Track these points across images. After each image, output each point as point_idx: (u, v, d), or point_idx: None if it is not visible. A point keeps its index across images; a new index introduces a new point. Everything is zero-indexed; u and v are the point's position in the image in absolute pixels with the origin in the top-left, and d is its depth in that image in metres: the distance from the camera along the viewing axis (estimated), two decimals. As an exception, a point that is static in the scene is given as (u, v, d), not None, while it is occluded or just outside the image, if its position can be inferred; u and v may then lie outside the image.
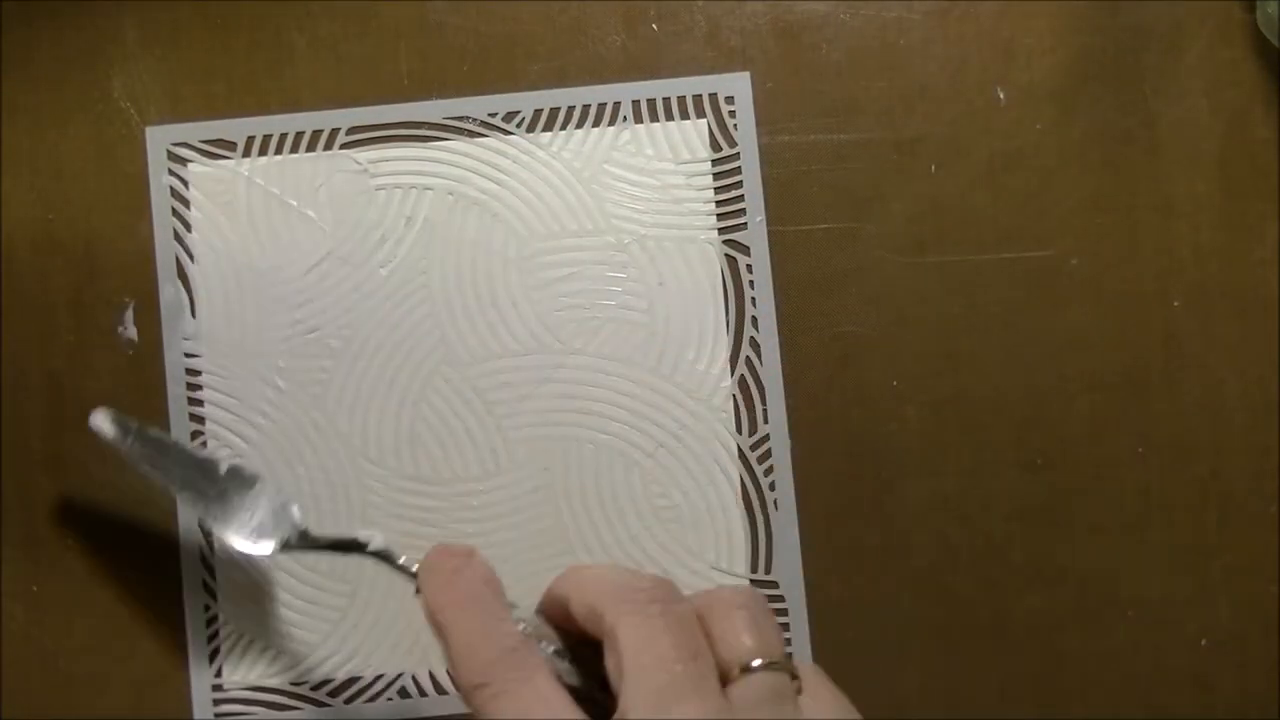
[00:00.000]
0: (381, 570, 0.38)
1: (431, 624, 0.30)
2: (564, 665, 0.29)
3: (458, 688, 0.29)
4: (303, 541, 0.34)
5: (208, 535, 0.37)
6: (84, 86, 0.39)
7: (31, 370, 0.38)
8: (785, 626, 0.38)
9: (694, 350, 0.38)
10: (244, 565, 0.38)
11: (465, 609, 0.29)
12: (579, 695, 0.29)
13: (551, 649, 0.29)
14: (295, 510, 0.35)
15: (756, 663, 0.28)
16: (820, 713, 0.29)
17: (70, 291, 0.39)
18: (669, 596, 0.29)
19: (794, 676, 0.29)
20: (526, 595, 0.38)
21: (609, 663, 0.28)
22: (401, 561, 0.32)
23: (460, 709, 0.38)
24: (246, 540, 0.34)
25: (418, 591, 0.30)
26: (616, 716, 0.27)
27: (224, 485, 0.35)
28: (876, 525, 0.38)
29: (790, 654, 0.29)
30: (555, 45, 0.39)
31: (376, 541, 0.33)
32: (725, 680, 0.28)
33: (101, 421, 0.35)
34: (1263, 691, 0.38)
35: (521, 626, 0.29)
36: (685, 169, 0.39)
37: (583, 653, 0.29)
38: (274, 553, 0.34)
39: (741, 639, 0.28)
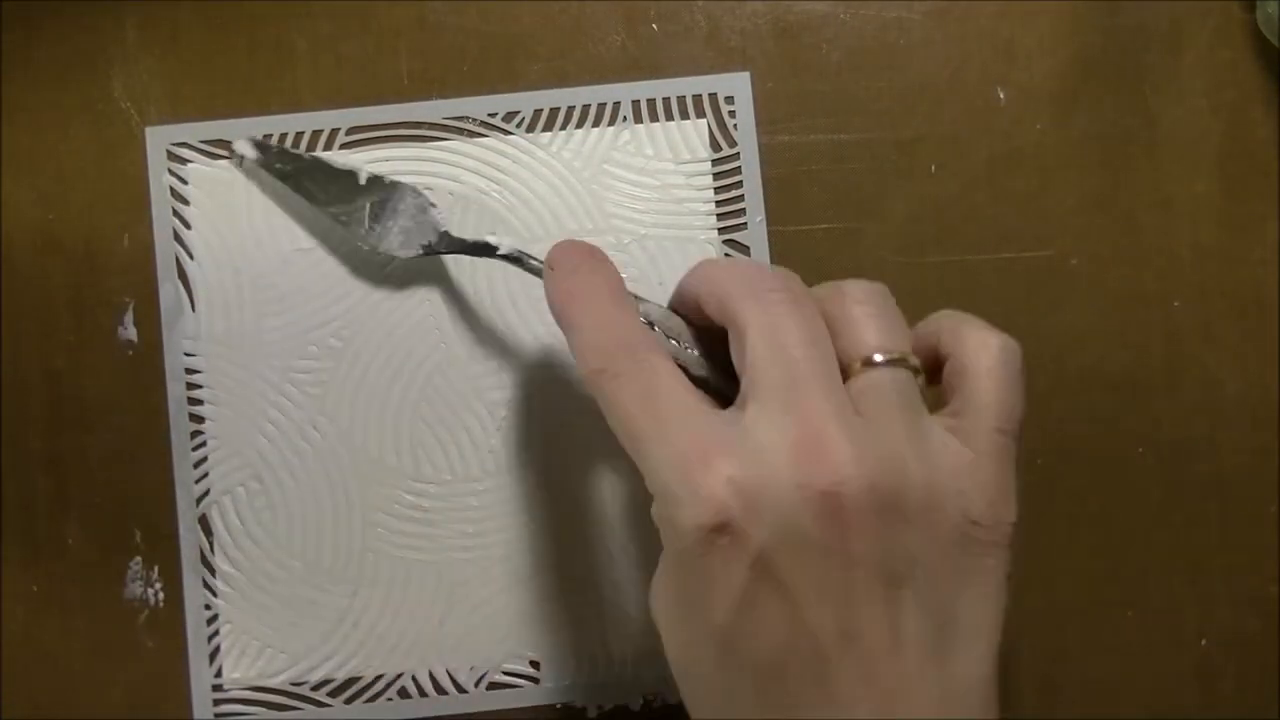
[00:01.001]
0: (382, 570, 0.38)
1: (557, 318, 0.30)
2: (688, 355, 0.30)
3: (581, 376, 0.29)
4: (442, 243, 0.37)
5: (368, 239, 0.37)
6: (84, 86, 0.39)
7: (31, 370, 0.38)
8: (785, 626, 0.38)
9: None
10: (244, 565, 0.38)
11: (588, 301, 0.30)
12: (704, 385, 0.29)
13: (674, 340, 0.31)
14: (435, 214, 0.37)
15: (879, 357, 0.28)
16: (956, 422, 0.28)
17: (70, 291, 0.39)
18: (794, 287, 0.29)
19: (917, 373, 0.28)
20: (529, 594, 0.38)
21: (733, 350, 0.28)
22: (531, 262, 0.35)
23: (459, 709, 0.38)
24: (393, 249, 0.37)
25: None
26: (737, 401, 0.28)
27: (365, 195, 0.37)
28: (876, 525, 0.38)
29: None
30: (555, 45, 0.39)
31: (505, 246, 0.35)
32: (846, 376, 0.28)
33: (244, 148, 0.38)
34: (1263, 691, 0.38)
35: (644, 319, 0.30)
36: (685, 169, 0.39)
37: (712, 347, 0.30)
38: (417, 256, 0.37)
39: (865, 332, 0.28)
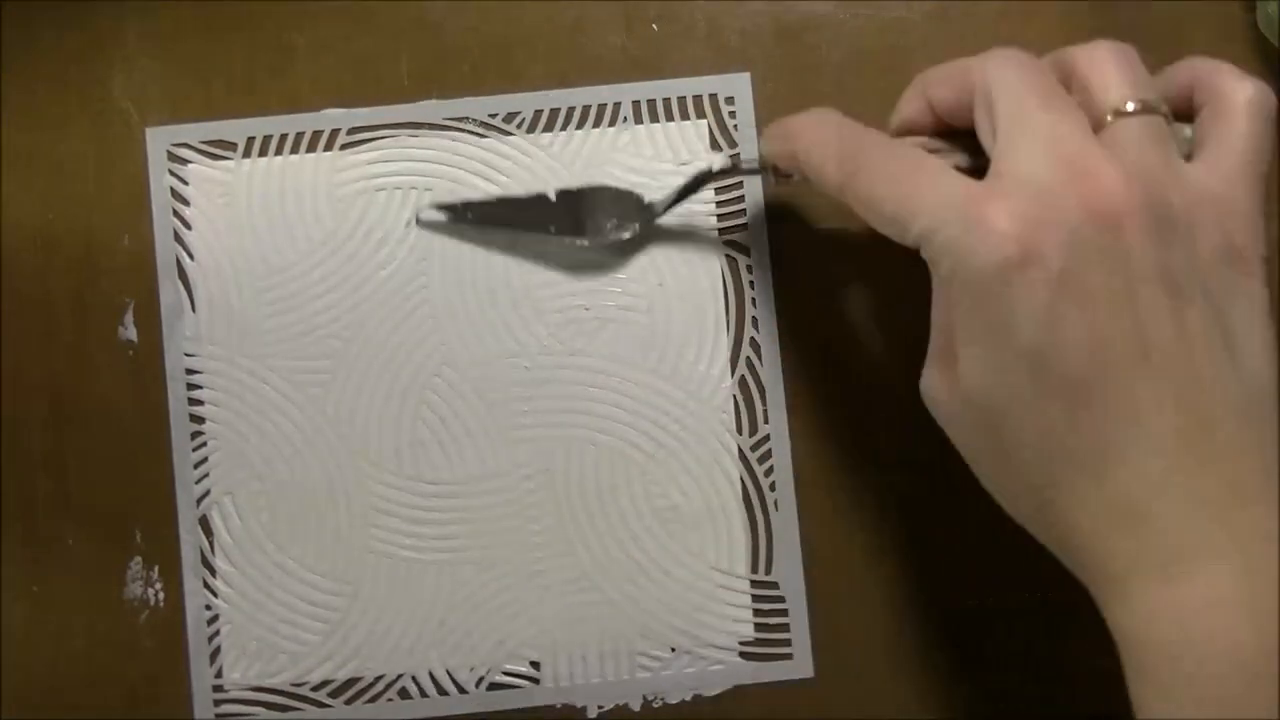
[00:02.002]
0: (382, 570, 0.38)
1: (784, 159, 0.33)
2: (927, 147, 0.32)
3: (833, 192, 0.31)
4: (656, 209, 0.38)
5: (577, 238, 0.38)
6: (84, 86, 0.39)
7: (31, 370, 0.38)
8: (785, 627, 0.38)
9: (694, 350, 0.38)
10: (244, 565, 0.38)
11: (817, 128, 0.32)
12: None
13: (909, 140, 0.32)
14: (631, 191, 0.38)
15: (1131, 106, 0.28)
16: (1211, 160, 0.29)
17: (70, 291, 0.39)
18: (1029, 54, 0.30)
19: (1169, 119, 0.29)
20: (529, 594, 0.38)
21: (980, 122, 0.30)
22: (745, 164, 0.36)
23: (459, 709, 0.38)
24: (613, 237, 0.38)
25: (775, 179, 0.34)
26: (992, 167, 0.28)
27: (562, 209, 0.38)
28: (877, 525, 0.38)
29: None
30: (555, 45, 0.39)
31: (717, 163, 0.37)
32: (1099, 129, 0.29)
33: (431, 215, 0.38)
34: (1262, 691, 0.38)
35: None
36: (686, 170, 0.39)
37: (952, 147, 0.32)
38: (637, 234, 0.37)
39: (1115, 84, 0.29)
